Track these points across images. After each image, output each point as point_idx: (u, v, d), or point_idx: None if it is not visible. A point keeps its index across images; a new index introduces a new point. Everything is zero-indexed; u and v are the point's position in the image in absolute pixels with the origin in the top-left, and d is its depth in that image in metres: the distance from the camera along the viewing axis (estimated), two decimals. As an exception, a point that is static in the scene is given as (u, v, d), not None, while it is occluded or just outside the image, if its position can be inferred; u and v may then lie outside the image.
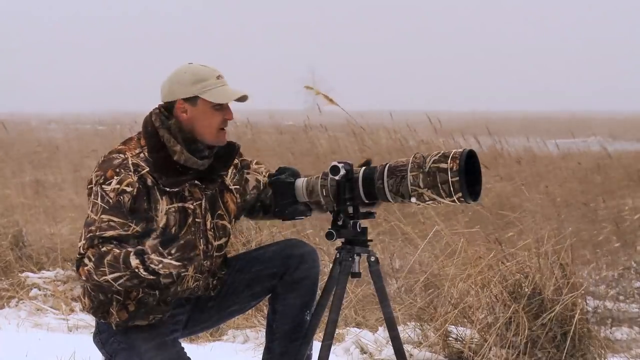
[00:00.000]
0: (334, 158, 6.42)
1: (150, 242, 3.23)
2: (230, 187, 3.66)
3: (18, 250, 7.39)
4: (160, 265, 3.20)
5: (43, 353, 5.10)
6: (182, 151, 3.45)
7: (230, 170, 3.68)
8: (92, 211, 3.37)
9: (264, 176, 3.75)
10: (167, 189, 3.44)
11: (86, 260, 3.31)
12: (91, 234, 3.33)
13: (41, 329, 6.09)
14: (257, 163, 3.80)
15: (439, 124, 9.83)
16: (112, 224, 3.34)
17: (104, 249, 3.30)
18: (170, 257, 3.17)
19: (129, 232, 3.35)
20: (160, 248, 3.20)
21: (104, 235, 3.32)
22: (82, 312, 6.24)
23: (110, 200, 3.35)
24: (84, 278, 3.35)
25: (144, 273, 3.24)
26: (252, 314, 5.79)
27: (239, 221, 3.99)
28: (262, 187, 3.75)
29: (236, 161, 3.70)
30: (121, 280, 3.28)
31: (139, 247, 3.28)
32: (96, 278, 3.30)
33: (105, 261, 3.28)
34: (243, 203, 3.72)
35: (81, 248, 3.35)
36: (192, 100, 3.48)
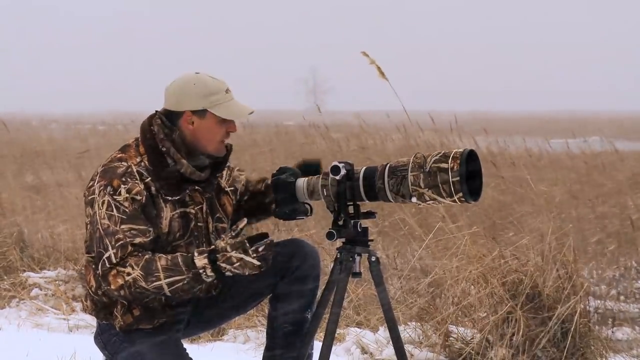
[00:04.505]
0: (335, 158, 6.41)
1: (229, 240, 3.31)
2: (225, 189, 3.69)
3: (19, 250, 7.39)
4: (238, 264, 3.29)
5: (44, 353, 5.10)
6: (188, 165, 3.47)
7: (224, 172, 3.70)
8: (110, 222, 3.35)
9: (242, 184, 3.78)
10: (169, 198, 3.46)
11: (128, 269, 3.30)
12: (121, 242, 3.33)
13: (42, 329, 6.09)
14: (238, 170, 3.82)
15: (455, 122, 9.82)
16: (133, 232, 3.35)
17: (147, 256, 3.32)
18: (254, 255, 3.28)
19: (151, 238, 3.38)
20: (248, 244, 3.28)
21: (134, 242, 3.34)
22: (83, 312, 6.24)
23: (127, 210, 3.36)
24: (117, 287, 3.32)
25: (210, 274, 3.30)
26: (253, 314, 5.79)
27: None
28: (239, 193, 3.77)
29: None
30: (178, 285, 3.31)
31: (203, 248, 3.37)
32: (144, 285, 3.30)
33: (159, 266, 3.30)
34: (237, 203, 3.74)
35: (113, 258, 3.32)
36: (201, 113, 3.49)
